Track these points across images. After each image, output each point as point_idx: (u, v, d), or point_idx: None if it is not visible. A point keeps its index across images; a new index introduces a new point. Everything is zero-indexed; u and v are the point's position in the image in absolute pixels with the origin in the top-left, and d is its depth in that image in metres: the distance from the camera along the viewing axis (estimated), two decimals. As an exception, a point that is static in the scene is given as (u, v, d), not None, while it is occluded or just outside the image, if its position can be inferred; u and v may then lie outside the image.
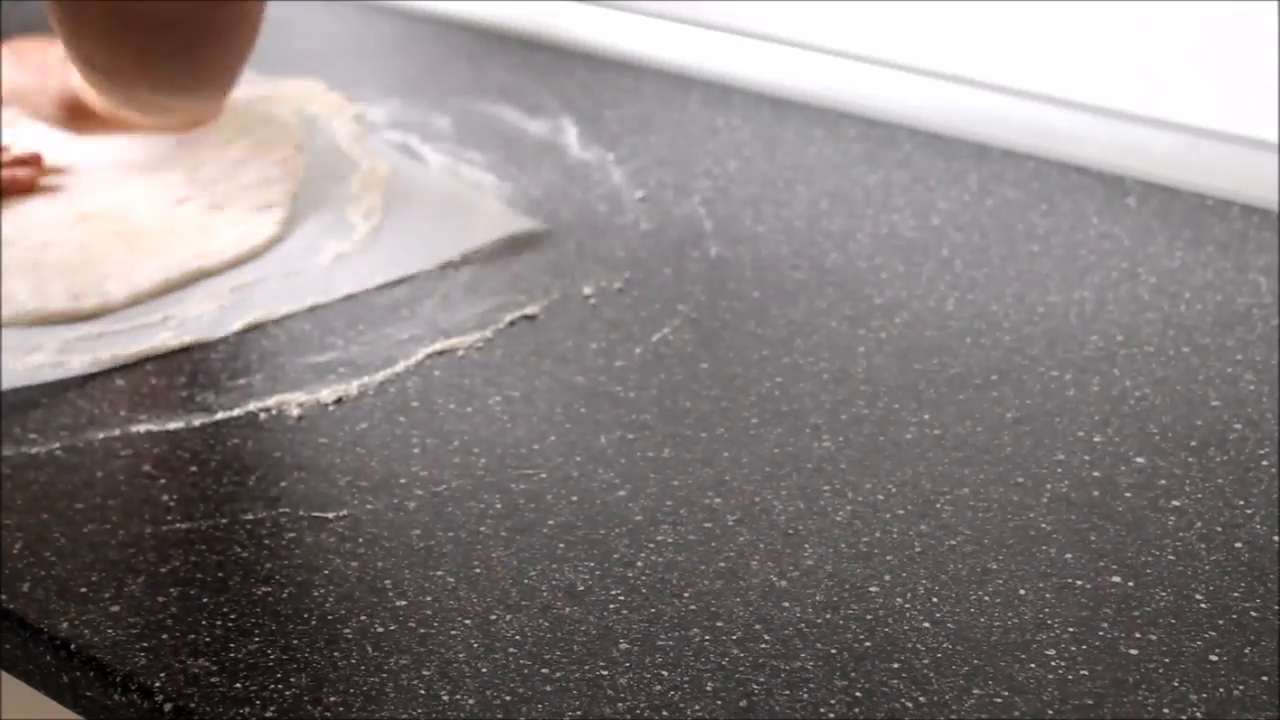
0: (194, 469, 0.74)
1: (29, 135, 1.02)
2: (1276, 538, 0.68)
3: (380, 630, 0.64)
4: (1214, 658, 0.62)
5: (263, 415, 0.77)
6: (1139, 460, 0.73)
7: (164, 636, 0.63)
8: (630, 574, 0.66)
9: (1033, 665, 0.61)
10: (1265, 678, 0.61)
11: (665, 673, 0.61)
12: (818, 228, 0.94)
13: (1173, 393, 0.78)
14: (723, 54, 1.12)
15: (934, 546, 0.68)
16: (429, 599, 0.65)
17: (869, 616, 0.64)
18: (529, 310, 0.85)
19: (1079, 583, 0.66)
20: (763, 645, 0.63)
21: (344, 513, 0.70)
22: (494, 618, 0.64)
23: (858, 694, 0.60)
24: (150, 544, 0.69)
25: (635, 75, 1.13)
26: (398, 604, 0.65)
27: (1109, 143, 0.99)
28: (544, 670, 0.61)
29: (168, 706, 0.60)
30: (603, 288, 0.88)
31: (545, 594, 0.65)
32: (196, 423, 0.77)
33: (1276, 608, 0.64)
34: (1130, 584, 0.66)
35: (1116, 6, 0.99)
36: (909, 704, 0.60)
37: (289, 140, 1.03)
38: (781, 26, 1.10)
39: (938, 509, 0.70)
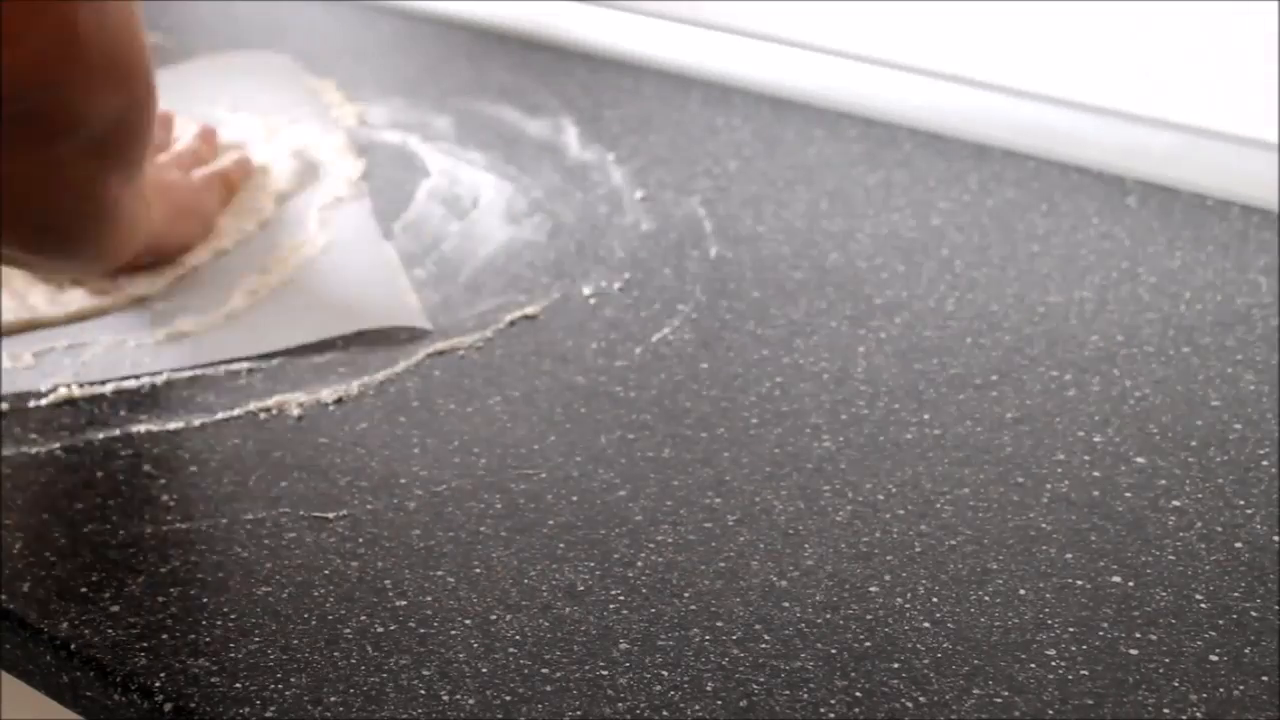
0: (194, 469, 0.74)
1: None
2: (1276, 538, 0.68)
3: (380, 630, 0.64)
4: (1214, 658, 0.62)
5: (263, 415, 0.77)
6: (1139, 460, 0.73)
7: (164, 636, 0.63)
8: (630, 574, 0.66)
9: (1033, 665, 0.61)
10: (1265, 678, 0.61)
11: (665, 673, 0.61)
12: (818, 228, 0.94)
13: (1173, 393, 0.78)
14: (723, 54, 1.12)
15: (934, 546, 0.68)
16: (429, 599, 0.65)
17: (869, 616, 0.64)
18: (529, 310, 0.85)
19: (1079, 583, 0.66)
20: (763, 645, 0.63)
21: (344, 513, 0.70)
22: (494, 618, 0.64)
23: (858, 694, 0.60)
24: (150, 544, 0.69)
25: (635, 75, 1.13)
26: (398, 604, 0.65)
27: (1109, 143, 0.99)
28: (544, 670, 0.61)
29: (168, 706, 0.60)
30: (603, 288, 0.88)
31: (545, 594, 0.65)
32: (196, 423, 0.77)
33: (1276, 608, 0.64)
34: (1130, 584, 0.66)
35: (1116, 6, 0.99)
36: (909, 704, 0.60)
37: (254, 213, 0.96)
38: (781, 26, 1.10)
39: (938, 509, 0.70)
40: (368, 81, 1.13)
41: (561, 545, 0.68)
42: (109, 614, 0.65)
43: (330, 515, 0.70)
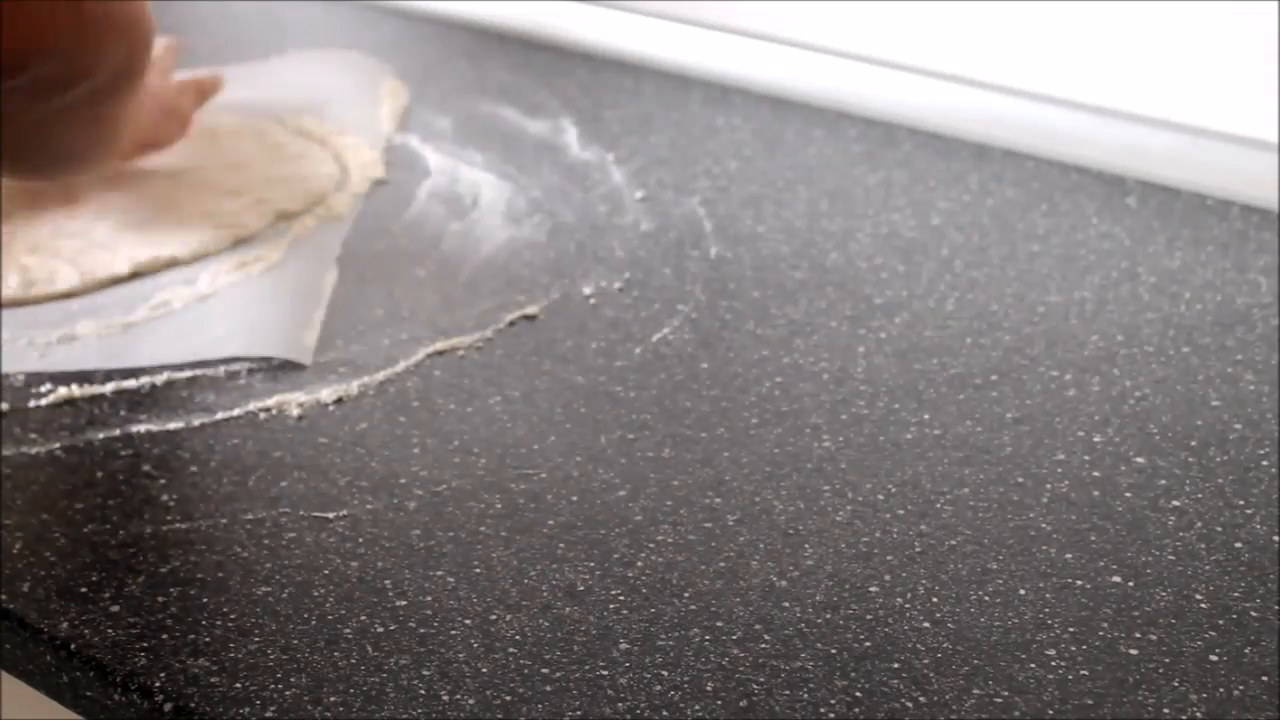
0: (194, 469, 0.74)
1: None
2: (1276, 538, 0.68)
3: (380, 630, 0.64)
4: (1214, 658, 0.62)
5: (263, 415, 0.77)
6: (1139, 460, 0.73)
7: (164, 636, 0.63)
8: (630, 574, 0.66)
9: (1033, 665, 0.61)
10: (1265, 678, 0.61)
11: (665, 673, 0.61)
12: (818, 228, 0.94)
13: (1173, 393, 0.78)
14: (723, 54, 1.12)
15: (934, 546, 0.68)
16: (429, 599, 0.65)
17: (869, 616, 0.64)
18: (529, 310, 0.85)
19: (1079, 583, 0.66)
20: (763, 645, 0.63)
21: (344, 513, 0.70)
22: (494, 618, 0.64)
23: (858, 694, 0.60)
24: (150, 544, 0.69)
25: (635, 75, 1.13)
26: (398, 604, 0.65)
27: (1109, 143, 0.99)
28: (544, 670, 0.61)
29: (168, 706, 0.60)
30: (603, 288, 0.88)
31: (545, 594, 0.65)
32: (196, 423, 0.77)
33: (1276, 608, 0.64)
34: (1130, 584, 0.66)
35: (1116, 6, 0.99)
36: (909, 704, 0.60)
37: (293, 197, 0.97)
38: (781, 26, 1.10)
39: (938, 509, 0.70)
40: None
41: (561, 545, 0.68)
42: (109, 614, 0.65)
43: (330, 515, 0.70)
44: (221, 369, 0.81)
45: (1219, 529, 0.69)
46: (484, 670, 0.61)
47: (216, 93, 1.04)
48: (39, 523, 0.70)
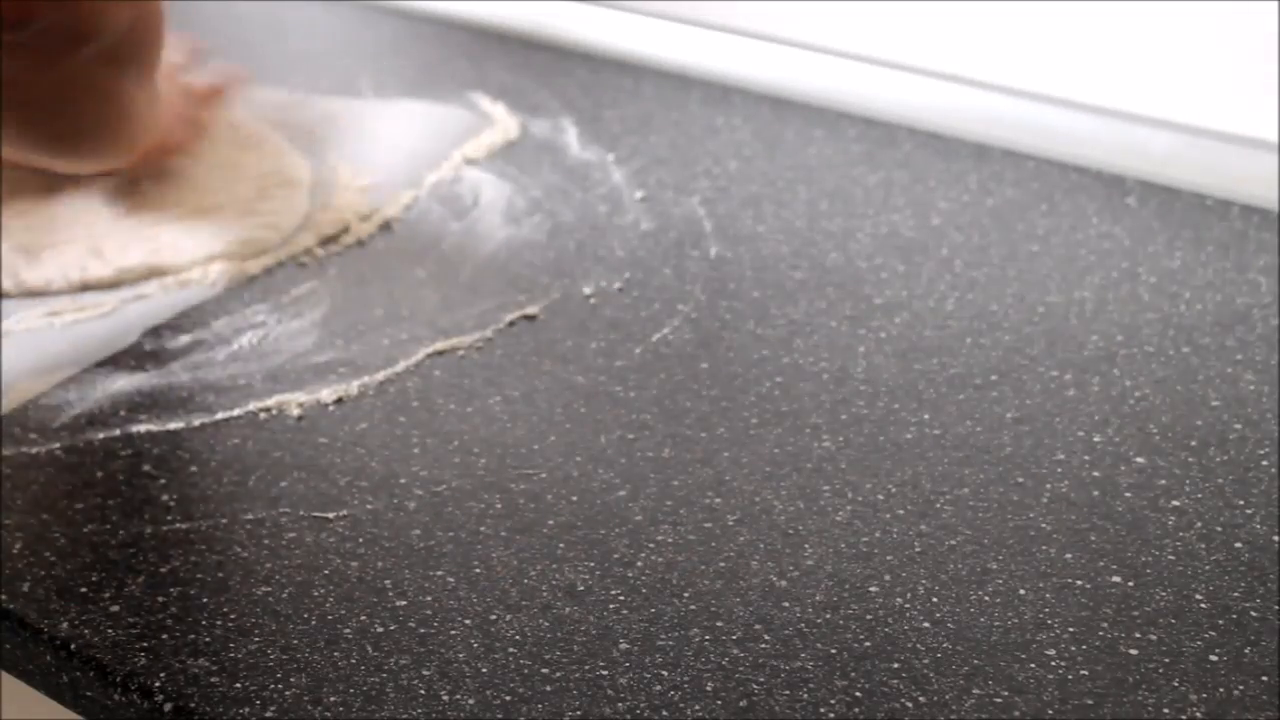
0: (194, 469, 0.74)
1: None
2: (1276, 538, 0.68)
3: (380, 630, 0.64)
4: (1214, 658, 0.62)
5: (263, 415, 0.77)
6: (1139, 460, 0.73)
7: (164, 636, 0.63)
8: (630, 574, 0.66)
9: (1033, 665, 0.61)
10: (1265, 678, 0.61)
11: (665, 673, 0.61)
12: (818, 228, 0.94)
13: (1173, 393, 0.78)
14: (723, 54, 1.12)
15: (934, 546, 0.68)
16: (429, 599, 0.65)
17: (869, 616, 0.64)
18: (529, 310, 0.85)
19: (1079, 583, 0.66)
20: (763, 645, 0.63)
21: (344, 513, 0.70)
22: (494, 618, 0.64)
23: (858, 694, 0.60)
24: (150, 544, 0.69)
25: (635, 75, 1.13)
26: (398, 604, 0.65)
27: (1109, 143, 0.99)
28: (544, 670, 0.61)
29: (168, 706, 0.60)
30: (603, 288, 0.88)
31: (545, 594, 0.65)
32: (196, 423, 0.77)
33: (1276, 608, 0.64)
34: (1130, 584, 0.66)
35: (1116, 6, 0.99)
36: (909, 704, 0.60)
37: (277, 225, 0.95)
38: (781, 26, 1.10)
39: (938, 509, 0.70)
40: (368, 82, 1.13)
41: (561, 545, 0.68)
42: (109, 614, 0.65)
43: (330, 515, 0.70)
44: (222, 371, 0.81)
45: (1219, 529, 0.69)
46: (484, 670, 0.61)
47: (238, 90, 1.03)
48: (39, 523, 0.70)
